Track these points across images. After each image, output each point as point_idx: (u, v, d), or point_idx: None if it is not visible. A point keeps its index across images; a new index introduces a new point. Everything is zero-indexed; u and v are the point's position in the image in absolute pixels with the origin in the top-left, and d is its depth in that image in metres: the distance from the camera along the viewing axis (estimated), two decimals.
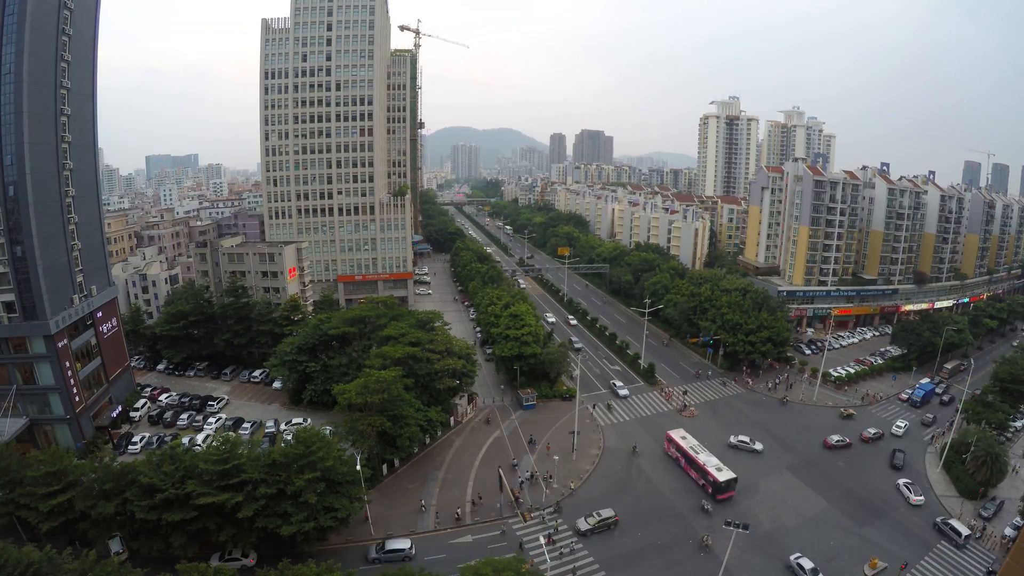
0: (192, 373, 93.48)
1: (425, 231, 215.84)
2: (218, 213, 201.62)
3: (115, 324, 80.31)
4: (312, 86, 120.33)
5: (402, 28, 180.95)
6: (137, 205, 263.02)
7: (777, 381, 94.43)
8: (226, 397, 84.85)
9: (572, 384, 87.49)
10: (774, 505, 61.82)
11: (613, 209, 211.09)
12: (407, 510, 59.70)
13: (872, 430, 78.19)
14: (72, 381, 68.00)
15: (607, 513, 58.19)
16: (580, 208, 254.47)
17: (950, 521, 58.43)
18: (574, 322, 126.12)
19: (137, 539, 50.41)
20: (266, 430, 74.67)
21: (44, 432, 68.87)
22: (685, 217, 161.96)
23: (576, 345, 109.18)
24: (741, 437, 74.82)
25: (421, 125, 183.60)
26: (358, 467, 53.45)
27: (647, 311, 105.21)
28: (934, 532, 58.24)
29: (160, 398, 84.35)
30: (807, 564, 51.26)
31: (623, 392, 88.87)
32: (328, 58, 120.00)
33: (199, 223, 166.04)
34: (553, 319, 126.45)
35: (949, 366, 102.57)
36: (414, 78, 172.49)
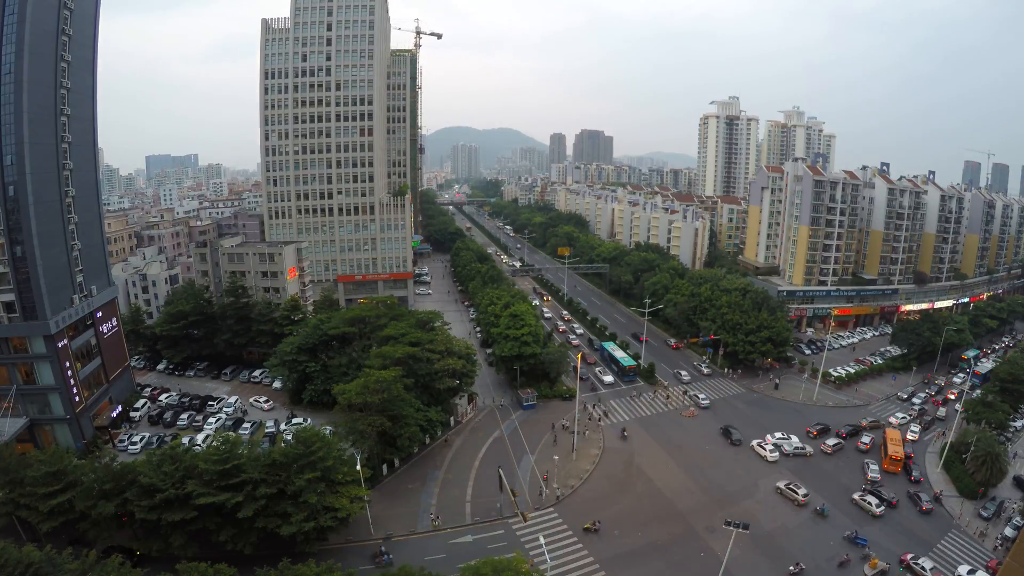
0: (192, 373, 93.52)
1: (425, 231, 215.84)
2: (218, 213, 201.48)
3: (115, 324, 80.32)
4: (312, 86, 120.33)
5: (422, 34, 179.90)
6: (137, 205, 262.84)
7: (776, 381, 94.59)
8: (226, 397, 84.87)
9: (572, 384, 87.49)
10: (774, 505, 61.84)
11: (613, 209, 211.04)
12: (407, 510, 59.69)
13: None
14: (72, 381, 68.00)
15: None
16: (580, 208, 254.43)
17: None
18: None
19: (137, 539, 50.40)
20: (266, 430, 74.72)
21: (44, 432, 68.87)
22: (685, 217, 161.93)
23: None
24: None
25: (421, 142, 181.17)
26: (358, 467, 53.52)
27: (647, 311, 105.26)
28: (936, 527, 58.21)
29: (160, 398, 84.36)
30: None
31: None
32: (328, 58, 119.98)
33: (199, 223, 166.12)
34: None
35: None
36: (414, 78, 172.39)
